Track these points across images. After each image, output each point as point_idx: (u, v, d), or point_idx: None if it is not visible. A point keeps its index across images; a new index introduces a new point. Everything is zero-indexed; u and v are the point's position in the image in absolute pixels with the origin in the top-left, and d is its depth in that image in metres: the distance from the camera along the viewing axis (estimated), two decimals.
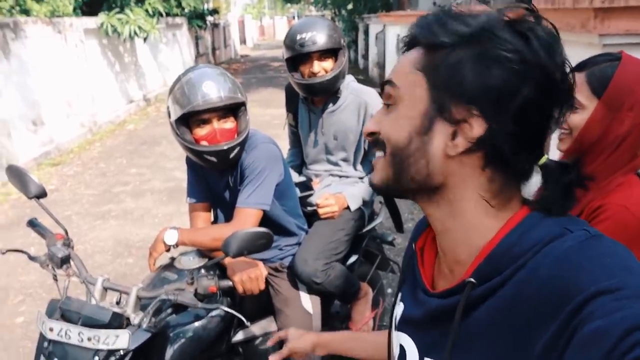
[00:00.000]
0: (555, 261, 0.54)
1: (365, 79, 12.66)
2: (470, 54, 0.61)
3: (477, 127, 0.61)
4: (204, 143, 1.70)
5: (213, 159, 1.70)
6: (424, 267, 0.75)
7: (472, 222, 0.65)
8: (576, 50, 2.94)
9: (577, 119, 1.18)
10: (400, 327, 0.77)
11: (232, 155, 1.70)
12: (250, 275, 1.69)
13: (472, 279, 0.62)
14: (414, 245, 0.80)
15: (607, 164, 1.16)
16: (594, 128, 1.16)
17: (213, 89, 1.64)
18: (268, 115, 8.55)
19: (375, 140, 0.70)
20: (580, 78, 1.17)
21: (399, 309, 0.79)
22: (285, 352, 1.19)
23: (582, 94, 1.17)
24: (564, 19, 2.95)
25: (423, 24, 0.66)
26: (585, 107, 1.18)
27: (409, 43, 0.69)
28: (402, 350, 0.76)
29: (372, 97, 2.19)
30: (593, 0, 2.57)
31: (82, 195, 5.50)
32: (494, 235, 0.64)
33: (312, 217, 2.15)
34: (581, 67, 1.20)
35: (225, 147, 1.67)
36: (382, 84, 0.70)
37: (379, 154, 0.70)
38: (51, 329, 1.31)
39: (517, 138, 0.60)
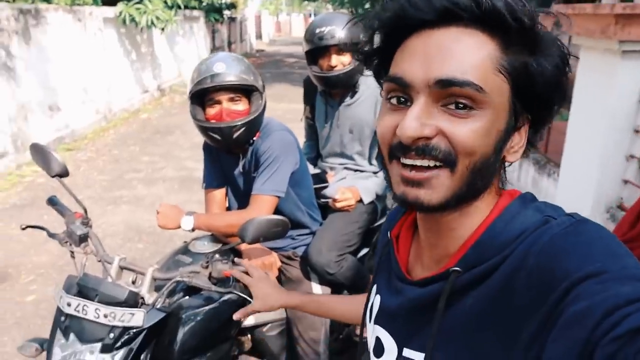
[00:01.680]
0: (542, 249, 0.54)
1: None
2: (553, 58, 0.57)
3: (525, 132, 0.62)
4: (213, 122, 1.73)
5: (217, 136, 1.72)
6: (399, 255, 0.73)
7: (482, 216, 0.63)
8: (595, 55, 2.93)
9: None
10: (377, 320, 0.75)
11: (236, 134, 1.71)
12: (264, 262, 1.71)
13: (457, 268, 0.60)
14: (389, 234, 0.77)
15: None
16: None
17: (222, 69, 1.68)
18: (280, 110, 8.56)
19: (427, 147, 0.57)
20: None
21: (376, 300, 0.77)
22: (248, 311, 1.26)
23: None
24: (583, 25, 2.93)
25: (504, 3, 0.54)
26: None
27: (439, 17, 0.56)
28: (379, 342, 0.73)
29: None
30: (614, 7, 2.56)
31: (95, 180, 5.56)
32: (479, 224, 0.63)
33: (325, 209, 2.17)
34: None
35: (226, 125, 1.69)
36: (448, 82, 0.55)
37: (430, 163, 0.57)
38: (69, 304, 1.34)
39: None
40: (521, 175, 4.35)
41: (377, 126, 0.63)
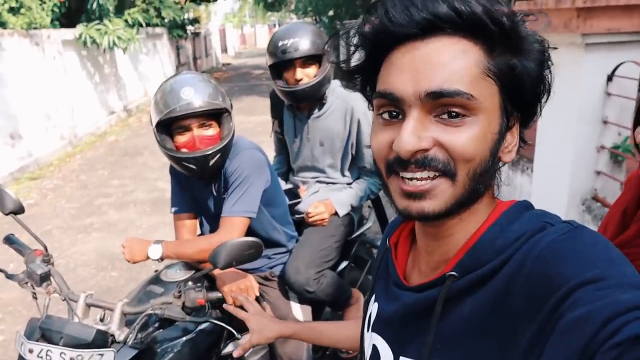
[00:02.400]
0: (539, 255, 0.54)
1: (347, 85, 12.66)
2: (535, 56, 0.58)
3: (516, 131, 0.62)
4: (184, 150, 1.65)
5: (192, 166, 1.65)
6: (397, 262, 0.73)
7: (479, 221, 0.63)
8: (560, 50, 2.96)
9: None
10: (374, 328, 0.74)
11: (212, 162, 1.65)
12: (240, 287, 1.64)
13: (453, 272, 0.60)
14: (387, 241, 0.77)
15: None
16: None
17: (191, 95, 1.59)
18: (251, 123, 8.50)
19: (426, 159, 0.57)
20: None
21: (373, 308, 0.76)
22: (247, 347, 1.24)
23: None
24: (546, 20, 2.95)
25: (483, 9, 0.54)
26: None
27: (424, 28, 0.56)
28: (375, 350, 0.73)
29: (358, 102, 2.15)
30: (575, 0, 2.58)
31: (63, 208, 5.38)
32: (476, 229, 0.63)
33: (300, 224, 2.11)
34: None
35: (202, 154, 1.62)
36: (439, 94, 0.55)
37: (430, 174, 0.57)
38: (31, 351, 1.25)
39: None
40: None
41: (372, 143, 0.63)
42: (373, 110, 0.65)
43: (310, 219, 2.03)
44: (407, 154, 0.56)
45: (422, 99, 0.56)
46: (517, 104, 0.60)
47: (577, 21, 2.59)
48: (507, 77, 0.57)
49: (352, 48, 0.63)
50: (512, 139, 0.62)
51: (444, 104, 0.56)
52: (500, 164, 0.63)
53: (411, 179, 0.58)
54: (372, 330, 0.74)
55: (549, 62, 0.60)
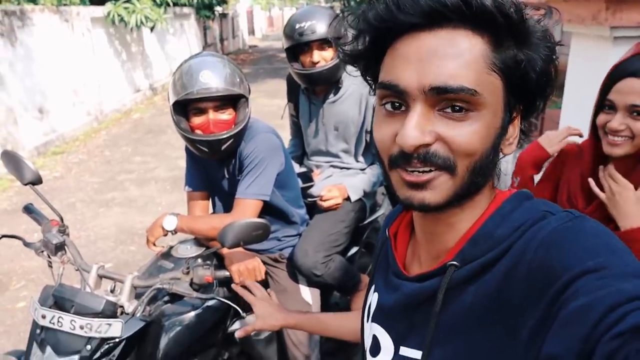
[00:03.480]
0: (541, 244, 0.54)
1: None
2: (542, 49, 0.57)
3: (518, 124, 0.62)
4: (198, 132, 1.67)
5: (205, 148, 1.67)
6: (397, 252, 0.73)
7: (479, 211, 0.63)
8: (587, 42, 2.88)
9: None
10: (374, 318, 0.74)
11: (224, 146, 1.67)
12: (247, 266, 1.66)
13: (454, 262, 0.60)
14: (387, 231, 0.77)
15: None
16: None
17: (209, 78, 1.60)
18: (275, 106, 8.50)
19: (427, 154, 0.56)
20: (638, 83, 1.19)
21: (373, 299, 0.76)
22: (249, 330, 1.26)
23: None
24: (574, 11, 2.88)
25: (491, 1, 0.53)
26: None
27: (428, 19, 0.55)
28: (376, 341, 0.73)
29: None
30: None
31: (86, 182, 5.51)
32: (477, 218, 0.63)
33: (311, 208, 2.13)
34: (636, 72, 1.20)
35: (215, 138, 1.64)
36: (443, 89, 0.54)
37: (430, 168, 0.57)
38: (43, 316, 1.30)
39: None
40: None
41: (375, 133, 0.62)
42: (375, 95, 0.64)
43: (325, 203, 2.04)
44: (411, 148, 0.55)
45: (426, 93, 0.55)
46: (521, 98, 0.60)
47: (605, 13, 2.51)
48: (512, 72, 0.56)
49: (357, 33, 0.62)
50: (513, 131, 0.62)
51: (448, 99, 0.55)
52: (501, 155, 0.62)
53: (414, 171, 0.58)
54: (372, 321, 0.75)
55: (555, 57, 0.59)
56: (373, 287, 0.78)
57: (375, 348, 0.72)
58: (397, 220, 0.77)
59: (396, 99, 0.58)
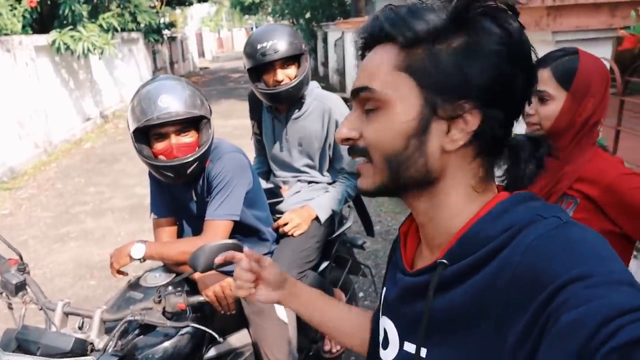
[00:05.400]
0: (527, 250, 0.54)
1: (326, 86, 12.68)
2: (455, 47, 0.60)
3: (472, 120, 0.62)
4: (162, 157, 1.63)
5: (170, 174, 1.63)
6: (405, 250, 0.76)
7: (457, 210, 0.66)
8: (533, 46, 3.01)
9: (549, 110, 1.35)
10: (384, 311, 0.78)
11: (189, 170, 1.63)
12: (222, 286, 1.62)
13: (443, 260, 0.63)
14: (399, 230, 0.81)
15: (577, 144, 1.36)
16: (565, 116, 1.34)
17: (169, 102, 1.57)
18: (230, 127, 8.46)
19: (353, 147, 0.68)
20: (545, 73, 1.34)
21: (384, 293, 0.80)
22: (250, 255, 0.96)
23: (550, 86, 1.34)
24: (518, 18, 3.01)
25: (393, 19, 0.63)
26: (554, 99, 1.34)
27: (370, 42, 0.67)
28: (385, 334, 0.76)
29: (336, 103, 2.16)
30: None
31: (38, 218, 5.27)
32: (469, 219, 0.64)
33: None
34: (542, 62, 1.35)
35: (179, 162, 1.60)
36: (355, 91, 0.66)
37: (360, 159, 0.69)
38: None
39: (505, 123, 0.63)
40: None
41: None
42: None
43: (285, 228, 2.02)
44: (339, 140, 0.68)
45: (353, 96, 0.67)
46: (447, 97, 0.61)
47: (547, 19, 2.65)
48: (420, 70, 0.61)
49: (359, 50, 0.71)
50: (453, 130, 0.62)
51: (362, 99, 0.66)
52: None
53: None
54: (383, 314, 0.78)
55: (467, 54, 0.60)
56: (386, 284, 0.82)
57: (385, 341, 0.76)
58: (409, 220, 0.79)
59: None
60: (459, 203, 0.66)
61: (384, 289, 0.81)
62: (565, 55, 1.35)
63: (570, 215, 1.31)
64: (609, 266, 0.50)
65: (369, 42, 0.67)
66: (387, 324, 0.76)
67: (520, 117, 0.66)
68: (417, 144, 0.63)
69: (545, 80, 1.34)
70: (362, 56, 0.69)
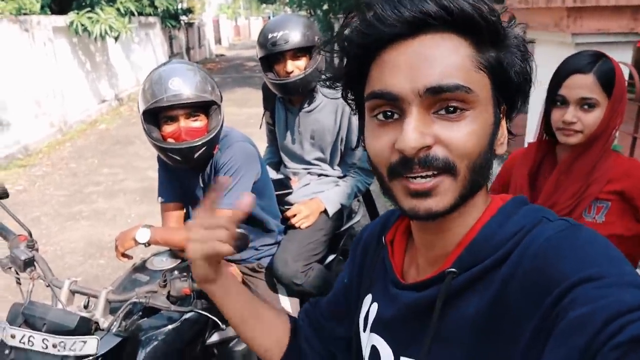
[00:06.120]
0: (537, 252, 0.54)
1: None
2: (517, 50, 0.60)
3: (504, 123, 0.63)
4: (170, 140, 1.64)
5: (177, 157, 1.64)
6: (394, 260, 0.72)
7: (476, 216, 0.63)
8: (550, 48, 2.97)
9: (594, 117, 1.34)
10: (374, 328, 0.73)
11: (197, 154, 1.64)
12: None
13: (453, 269, 0.60)
14: (383, 239, 0.76)
15: (605, 150, 1.38)
16: (605, 122, 1.34)
17: (179, 85, 1.58)
18: (244, 115, 8.46)
19: (427, 158, 0.56)
20: (590, 79, 1.32)
21: (372, 308, 0.75)
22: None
23: (597, 93, 1.33)
24: (537, 18, 2.97)
25: (470, 6, 0.55)
26: (600, 105, 1.33)
27: (417, 25, 0.56)
28: (375, 351, 0.72)
29: None
30: (566, 0, 2.60)
31: (51, 196, 5.34)
32: (473, 224, 0.62)
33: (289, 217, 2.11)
34: (581, 68, 1.34)
35: (187, 146, 1.61)
36: (437, 89, 0.55)
37: (433, 172, 0.57)
38: (13, 336, 1.24)
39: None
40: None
41: (369, 146, 0.62)
42: (358, 112, 0.66)
43: (293, 220, 2.03)
44: (412, 150, 0.55)
45: (421, 96, 0.56)
46: (505, 96, 0.61)
47: (567, 21, 2.61)
48: (495, 70, 0.58)
49: (342, 54, 0.63)
50: (502, 131, 0.63)
51: (443, 99, 0.56)
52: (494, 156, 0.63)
53: (415, 177, 0.57)
54: (372, 331, 0.74)
55: (529, 56, 0.62)
56: (370, 297, 0.77)
57: (375, 358, 0.72)
58: (393, 228, 0.76)
59: (389, 108, 0.59)
60: (480, 208, 0.64)
61: (373, 304, 0.75)
62: (598, 60, 1.34)
63: (603, 219, 1.35)
64: (620, 268, 0.49)
65: (416, 24, 0.56)
66: (376, 341, 0.72)
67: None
68: (492, 149, 0.61)
69: (591, 87, 1.32)
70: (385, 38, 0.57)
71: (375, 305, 0.75)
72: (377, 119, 0.60)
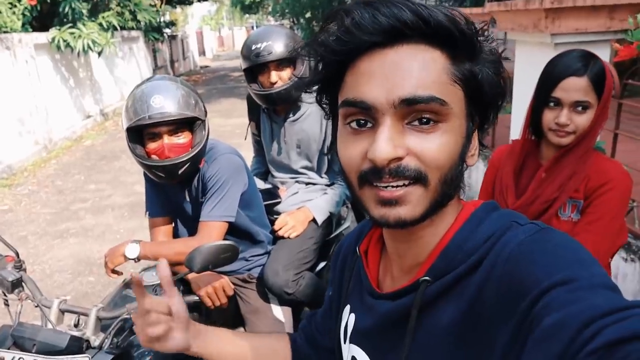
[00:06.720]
0: (509, 257, 0.54)
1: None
2: (491, 64, 0.60)
3: (476, 135, 0.63)
4: (154, 157, 1.64)
5: (161, 174, 1.64)
6: (369, 270, 0.72)
7: (447, 223, 0.64)
8: (530, 49, 3.02)
9: (587, 118, 1.36)
10: (353, 339, 0.73)
11: (181, 170, 1.63)
12: (214, 286, 1.63)
13: (426, 277, 0.60)
14: (357, 250, 0.76)
15: (589, 148, 1.39)
16: (594, 122, 1.36)
17: (161, 103, 1.57)
18: (230, 125, 8.45)
19: (398, 168, 0.56)
20: (584, 82, 1.33)
21: (350, 319, 0.75)
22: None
23: (591, 96, 1.34)
24: (516, 20, 3.02)
25: (446, 18, 0.55)
26: (592, 107, 1.35)
27: (392, 35, 0.56)
28: None
29: None
30: (543, 1, 2.64)
31: (38, 214, 5.28)
32: (445, 231, 0.63)
33: None
34: (577, 71, 1.34)
35: (170, 163, 1.60)
36: (412, 100, 0.55)
37: (404, 182, 0.57)
38: (2, 359, 1.23)
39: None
40: (472, 174, 4.42)
41: (341, 153, 0.62)
42: (332, 117, 0.67)
43: (280, 232, 2.03)
44: (384, 162, 0.55)
45: (395, 106, 0.55)
46: (478, 109, 0.62)
47: (545, 21, 2.65)
48: (470, 83, 0.58)
49: (317, 60, 0.62)
50: (474, 143, 0.63)
51: (417, 110, 0.56)
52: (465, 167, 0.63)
53: (386, 186, 0.57)
54: (351, 342, 0.74)
55: (502, 68, 0.62)
56: (348, 307, 0.77)
57: None
58: (367, 238, 0.76)
59: (362, 116, 0.58)
60: (452, 215, 0.64)
61: (351, 314, 0.75)
62: (589, 62, 1.35)
63: (579, 217, 1.37)
64: (591, 270, 0.50)
65: (393, 34, 0.55)
66: (355, 352, 0.72)
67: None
68: (463, 161, 0.61)
69: (586, 90, 1.34)
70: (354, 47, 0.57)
71: (353, 316, 0.74)
72: (350, 127, 0.60)
